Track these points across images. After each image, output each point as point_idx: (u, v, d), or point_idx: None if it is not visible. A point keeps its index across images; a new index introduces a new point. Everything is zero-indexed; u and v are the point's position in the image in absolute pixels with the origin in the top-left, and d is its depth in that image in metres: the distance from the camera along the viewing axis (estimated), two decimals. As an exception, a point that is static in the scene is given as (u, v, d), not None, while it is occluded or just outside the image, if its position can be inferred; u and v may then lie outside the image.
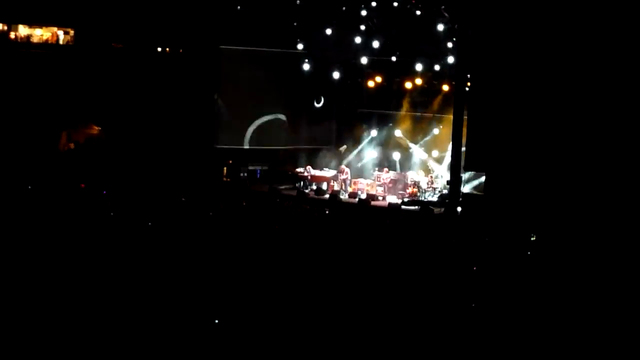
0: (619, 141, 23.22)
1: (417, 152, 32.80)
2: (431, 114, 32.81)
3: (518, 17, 25.47)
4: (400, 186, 31.29)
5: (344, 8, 29.67)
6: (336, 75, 33.20)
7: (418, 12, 29.54)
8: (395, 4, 29.77)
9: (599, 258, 18.29)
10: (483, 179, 27.83)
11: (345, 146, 34.39)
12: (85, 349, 10.63)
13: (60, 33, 33.67)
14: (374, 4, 30.16)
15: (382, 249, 18.20)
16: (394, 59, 31.64)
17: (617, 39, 23.17)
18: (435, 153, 32.14)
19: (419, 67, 31.07)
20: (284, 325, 11.80)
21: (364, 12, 30.48)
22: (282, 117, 33.89)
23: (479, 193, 27.93)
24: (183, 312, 11.98)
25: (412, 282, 14.80)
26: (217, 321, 11.50)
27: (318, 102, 33.80)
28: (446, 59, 30.24)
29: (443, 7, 28.33)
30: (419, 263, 16.81)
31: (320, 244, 18.28)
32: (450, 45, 29.90)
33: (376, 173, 31.95)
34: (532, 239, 20.94)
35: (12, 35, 33.55)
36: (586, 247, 19.74)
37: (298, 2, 29.89)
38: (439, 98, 32.12)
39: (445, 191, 29.46)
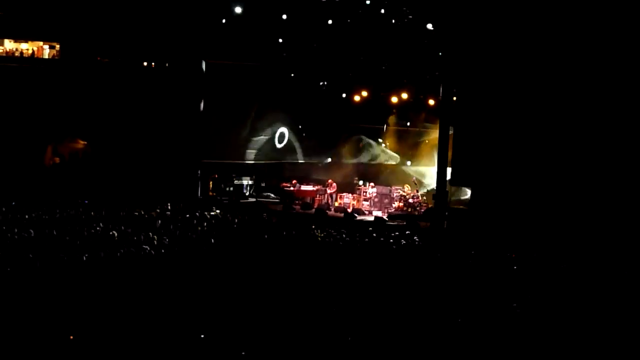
0: (603, 157, 23.53)
1: (404, 166, 33.06)
2: (417, 128, 33.10)
3: (503, 33, 25.73)
4: (386, 201, 31.53)
5: (329, 22, 29.58)
6: (322, 89, 33.37)
7: (403, 27, 29.47)
8: (381, 18, 29.73)
9: (585, 270, 18.40)
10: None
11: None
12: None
13: (46, 47, 33.55)
14: (359, 18, 30.13)
15: (369, 263, 18.22)
16: (380, 73, 31.77)
17: (601, 60, 23.54)
18: (421, 167, 32.36)
19: (405, 81, 31.37)
20: (270, 336, 11.77)
21: (349, 27, 30.39)
22: (273, 132, 33.94)
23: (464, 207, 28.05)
24: (170, 325, 11.87)
25: (399, 295, 14.77)
26: (202, 336, 11.42)
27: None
28: (432, 73, 30.28)
29: (429, 24, 28.27)
30: (405, 276, 16.80)
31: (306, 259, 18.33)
32: (436, 59, 29.84)
33: (362, 187, 32.06)
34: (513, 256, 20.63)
35: (-2, 49, 33.51)
36: (570, 259, 19.77)
37: (284, 17, 29.79)
38: (425, 112, 32.36)
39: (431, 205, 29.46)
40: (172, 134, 32.15)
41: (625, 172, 23.33)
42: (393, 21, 29.00)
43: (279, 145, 34.25)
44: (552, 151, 24.49)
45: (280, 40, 31.08)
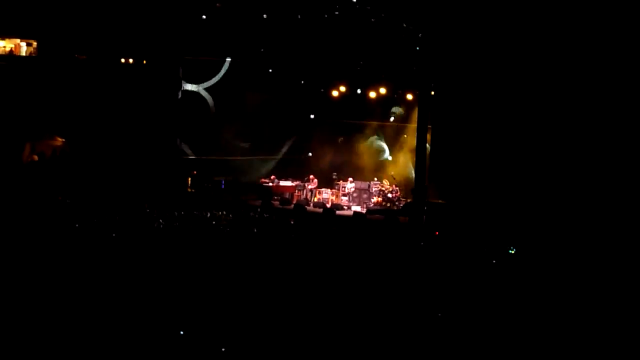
0: (586, 151, 23.64)
1: (383, 160, 33.13)
2: (395, 123, 33.14)
3: (484, 25, 25.79)
4: (365, 195, 31.52)
5: (307, 17, 29.51)
6: (300, 84, 33.42)
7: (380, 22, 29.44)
8: (358, 13, 29.69)
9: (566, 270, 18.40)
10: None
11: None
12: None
13: (24, 45, 33.30)
14: (337, 13, 30.06)
15: (348, 258, 18.23)
16: (357, 68, 31.69)
17: (588, 56, 23.53)
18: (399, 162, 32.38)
19: (383, 76, 31.36)
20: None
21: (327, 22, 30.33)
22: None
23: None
24: (151, 325, 11.88)
25: (378, 290, 14.88)
26: (181, 332, 11.45)
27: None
28: (410, 68, 29.98)
29: (405, 22, 28.26)
30: (384, 271, 16.87)
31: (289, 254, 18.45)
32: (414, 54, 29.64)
33: (340, 183, 32.11)
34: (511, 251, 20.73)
35: (-26, 47, 33.24)
36: (555, 259, 19.75)
37: (264, 16, 29.76)
38: (403, 107, 32.49)
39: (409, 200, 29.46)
40: (151, 131, 32.00)
41: (607, 167, 23.36)
42: (372, 19, 29.02)
43: (256, 141, 34.31)
44: (535, 144, 24.57)
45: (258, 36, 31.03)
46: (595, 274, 17.62)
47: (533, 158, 24.48)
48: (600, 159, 23.18)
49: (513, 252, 20.05)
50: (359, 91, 32.75)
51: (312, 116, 34.97)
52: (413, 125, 29.59)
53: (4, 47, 33.27)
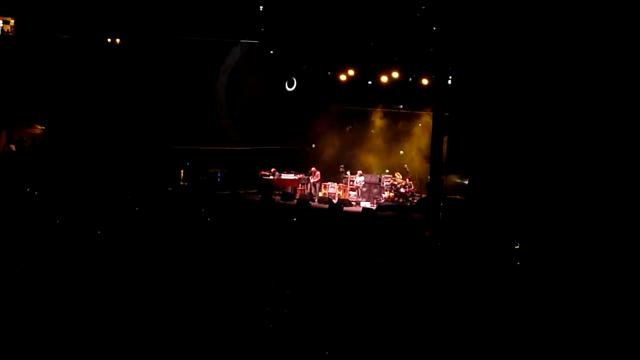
0: (606, 146, 22.66)
1: (395, 152, 31.99)
2: (409, 111, 31.75)
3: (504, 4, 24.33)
4: (375, 190, 30.48)
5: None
6: (304, 67, 31.87)
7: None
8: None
9: (584, 264, 18.56)
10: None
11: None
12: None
13: (-1, 22, 32.08)
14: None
15: (356, 259, 18.09)
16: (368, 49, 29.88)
17: (606, 40, 22.42)
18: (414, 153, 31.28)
19: (395, 59, 29.63)
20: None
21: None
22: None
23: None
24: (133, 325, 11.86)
25: (389, 294, 14.72)
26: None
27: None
28: (426, 50, 28.39)
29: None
30: (395, 273, 16.79)
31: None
32: (430, 35, 28.07)
33: (348, 176, 30.97)
34: (516, 247, 20.78)
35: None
36: (571, 253, 19.68)
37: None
38: (418, 93, 30.60)
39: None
40: (140, 118, 30.69)
41: (626, 162, 22.32)
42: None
43: (255, 129, 32.64)
44: (555, 134, 23.39)
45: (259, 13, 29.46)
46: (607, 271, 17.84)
47: (557, 152, 23.43)
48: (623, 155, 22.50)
49: (517, 247, 20.34)
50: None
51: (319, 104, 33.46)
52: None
53: (-21, 25, 32.22)
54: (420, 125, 31.31)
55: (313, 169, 30.91)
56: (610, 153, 22.42)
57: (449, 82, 26.94)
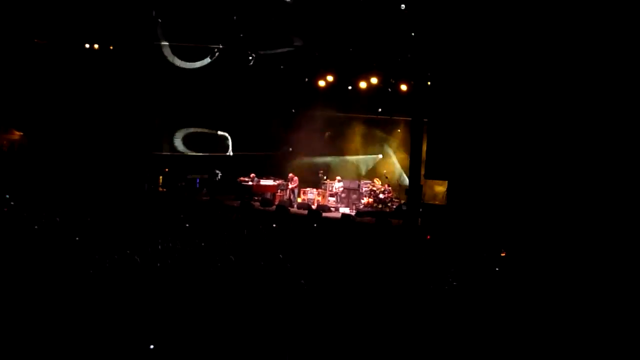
0: (589, 149, 22.34)
1: (373, 158, 32.14)
2: (388, 117, 31.59)
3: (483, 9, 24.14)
4: (354, 196, 30.44)
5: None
6: (282, 73, 31.47)
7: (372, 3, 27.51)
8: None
9: (567, 270, 18.29)
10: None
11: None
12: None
13: (-25, 27, 31.78)
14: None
15: (335, 265, 17.25)
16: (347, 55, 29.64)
17: (587, 44, 22.14)
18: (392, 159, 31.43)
19: (374, 65, 29.51)
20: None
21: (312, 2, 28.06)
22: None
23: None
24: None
25: (367, 301, 14.05)
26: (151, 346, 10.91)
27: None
28: (404, 56, 28.25)
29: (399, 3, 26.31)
30: (374, 280, 16.04)
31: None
32: (408, 41, 27.80)
33: (327, 182, 30.90)
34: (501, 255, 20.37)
35: None
36: (553, 259, 19.45)
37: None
38: (397, 99, 30.36)
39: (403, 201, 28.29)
40: (119, 124, 30.69)
41: (608, 164, 22.03)
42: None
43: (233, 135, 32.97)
44: (539, 140, 23.07)
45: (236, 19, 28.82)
46: (594, 275, 17.71)
47: (539, 157, 23.14)
48: (602, 158, 22.15)
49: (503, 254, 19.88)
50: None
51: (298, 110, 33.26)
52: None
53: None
54: (399, 130, 31.28)
55: (290, 175, 30.72)
56: (592, 159, 22.20)
57: (428, 87, 26.60)
